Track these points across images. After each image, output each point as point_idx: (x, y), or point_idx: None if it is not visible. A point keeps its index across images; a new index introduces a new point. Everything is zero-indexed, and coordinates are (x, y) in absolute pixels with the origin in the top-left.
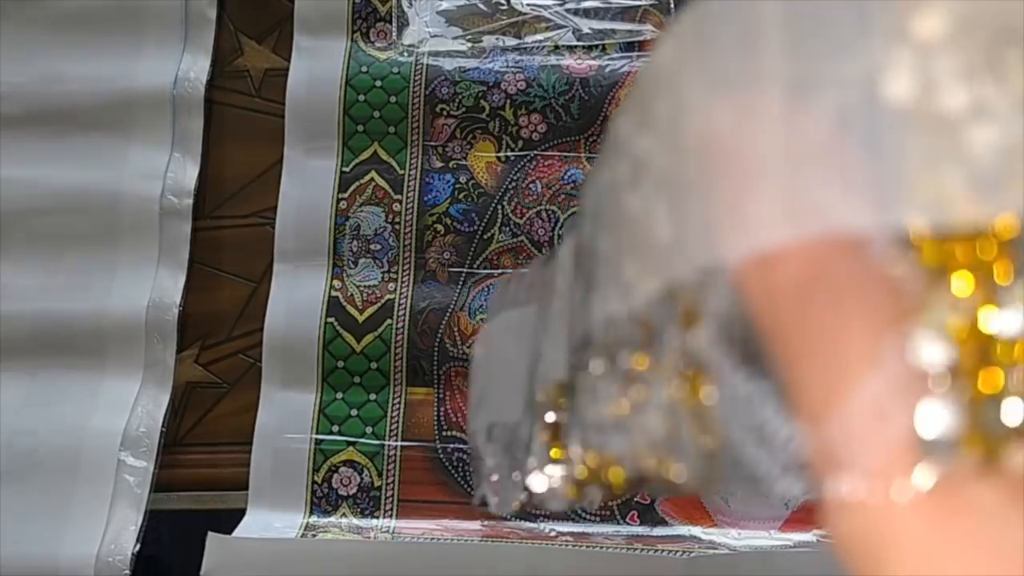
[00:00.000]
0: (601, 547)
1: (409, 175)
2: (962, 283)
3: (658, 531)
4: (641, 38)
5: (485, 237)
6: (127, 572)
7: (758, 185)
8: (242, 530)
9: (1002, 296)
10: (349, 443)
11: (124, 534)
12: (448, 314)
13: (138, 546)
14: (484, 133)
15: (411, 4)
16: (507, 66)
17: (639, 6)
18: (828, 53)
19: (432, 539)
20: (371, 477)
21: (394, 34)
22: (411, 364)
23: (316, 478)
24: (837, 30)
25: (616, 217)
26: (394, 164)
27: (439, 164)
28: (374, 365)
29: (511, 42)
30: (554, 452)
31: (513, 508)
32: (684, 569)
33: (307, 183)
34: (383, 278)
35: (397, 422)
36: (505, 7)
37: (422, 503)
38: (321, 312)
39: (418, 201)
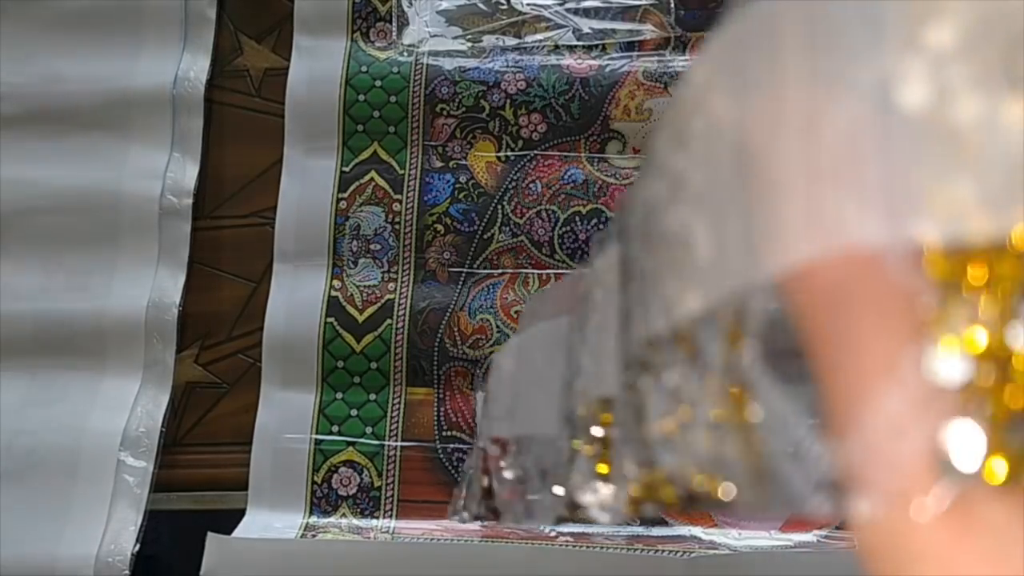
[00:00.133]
0: (601, 547)
1: (409, 175)
2: (978, 297)
3: (658, 531)
4: (641, 38)
5: (485, 237)
6: (127, 572)
7: (782, 200)
8: (242, 530)
9: (1018, 310)
10: (349, 443)
11: (124, 534)
12: (448, 314)
13: (138, 546)
14: (484, 133)
15: (411, 4)
16: (507, 66)
17: (639, 6)
18: (843, 62)
19: (432, 539)
20: (371, 477)
21: (394, 34)
22: (411, 364)
23: (316, 478)
24: (851, 39)
25: (657, 234)
26: (394, 164)
27: (439, 164)
28: (374, 365)
29: (511, 42)
30: (600, 467)
31: (551, 521)
32: (684, 569)
33: (307, 183)
34: (383, 278)
35: (397, 422)
36: (505, 7)
37: (422, 503)
38: (321, 312)
39: (418, 201)
